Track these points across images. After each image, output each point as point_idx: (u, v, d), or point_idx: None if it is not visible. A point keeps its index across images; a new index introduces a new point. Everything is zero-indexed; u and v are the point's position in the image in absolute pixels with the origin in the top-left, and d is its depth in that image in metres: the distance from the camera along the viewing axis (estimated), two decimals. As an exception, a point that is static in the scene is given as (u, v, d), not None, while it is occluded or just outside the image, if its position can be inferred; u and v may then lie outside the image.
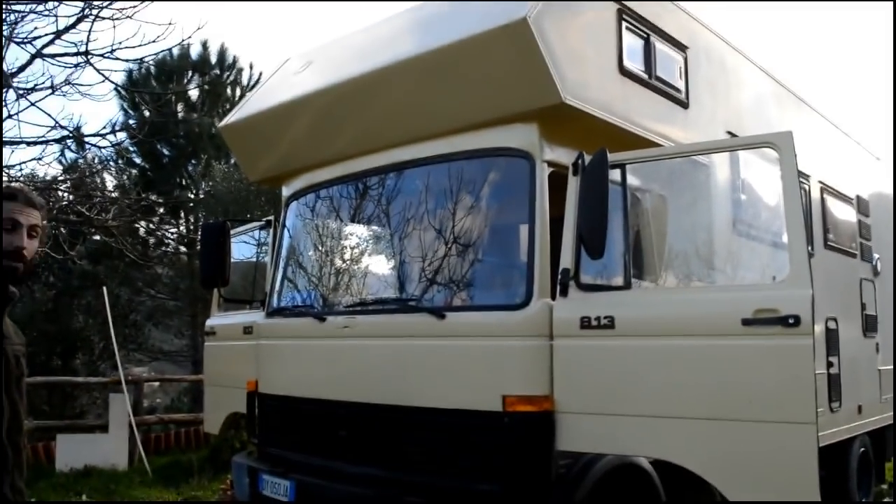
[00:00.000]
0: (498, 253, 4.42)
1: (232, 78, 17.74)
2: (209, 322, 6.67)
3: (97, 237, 12.65)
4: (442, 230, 4.35)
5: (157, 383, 15.92)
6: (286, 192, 5.50)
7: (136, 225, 16.59)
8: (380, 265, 4.92)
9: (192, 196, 15.03)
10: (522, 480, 3.81)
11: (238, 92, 17.26)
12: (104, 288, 11.55)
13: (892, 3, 4.98)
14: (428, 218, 4.43)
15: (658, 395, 3.58)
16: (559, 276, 3.84)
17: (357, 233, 5.06)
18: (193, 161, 16.97)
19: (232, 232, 6.58)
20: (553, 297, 3.89)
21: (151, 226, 15.93)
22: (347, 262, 5.06)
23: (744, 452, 3.38)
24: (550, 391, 3.81)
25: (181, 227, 17.22)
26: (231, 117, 5.64)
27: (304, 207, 5.35)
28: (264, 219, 6.23)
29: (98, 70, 7.98)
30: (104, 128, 9.14)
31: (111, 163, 16.35)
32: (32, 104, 7.84)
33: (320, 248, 5.25)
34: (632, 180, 3.95)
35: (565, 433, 3.79)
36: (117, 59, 8.02)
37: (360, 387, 4.43)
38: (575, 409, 3.77)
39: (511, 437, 3.81)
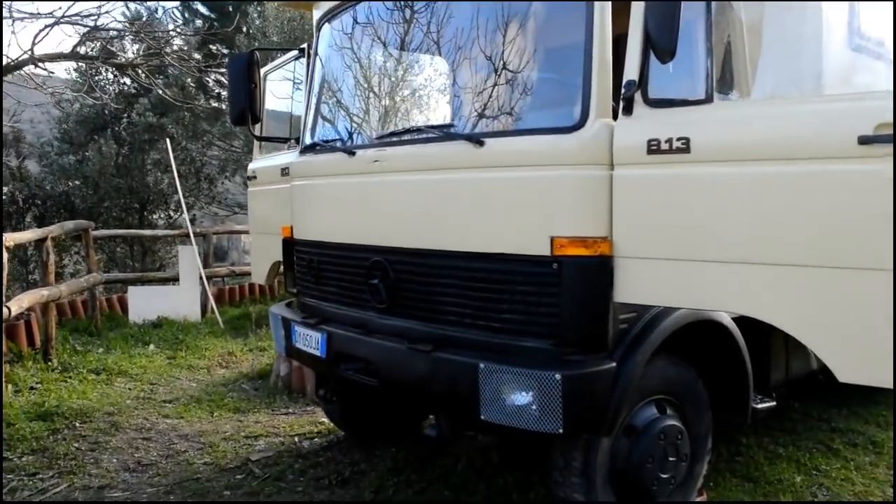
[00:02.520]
0: (547, 65, 3.61)
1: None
2: (251, 166, 6.19)
3: (160, 91, 12.29)
4: (481, 39, 3.59)
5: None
6: (317, 14, 4.81)
7: (206, 80, 16.30)
8: (412, 88, 4.24)
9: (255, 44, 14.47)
10: (575, 336, 3.23)
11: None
12: (168, 140, 11.35)
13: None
14: (464, 26, 3.68)
15: (745, 235, 2.85)
16: (622, 90, 3.08)
17: (388, 53, 4.34)
18: (259, 8, 16.38)
19: (267, 67, 5.98)
20: (614, 118, 3.15)
21: (218, 78, 15.54)
22: (379, 88, 4.39)
23: (853, 309, 2.64)
24: (609, 232, 3.15)
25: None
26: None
27: (335, 31, 4.66)
28: (297, 48, 5.55)
29: None
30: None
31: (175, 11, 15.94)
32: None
33: (353, 74, 4.57)
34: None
35: (627, 282, 3.15)
36: None
37: (392, 230, 3.87)
38: (639, 253, 3.11)
39: (561, 286, 3.19)
